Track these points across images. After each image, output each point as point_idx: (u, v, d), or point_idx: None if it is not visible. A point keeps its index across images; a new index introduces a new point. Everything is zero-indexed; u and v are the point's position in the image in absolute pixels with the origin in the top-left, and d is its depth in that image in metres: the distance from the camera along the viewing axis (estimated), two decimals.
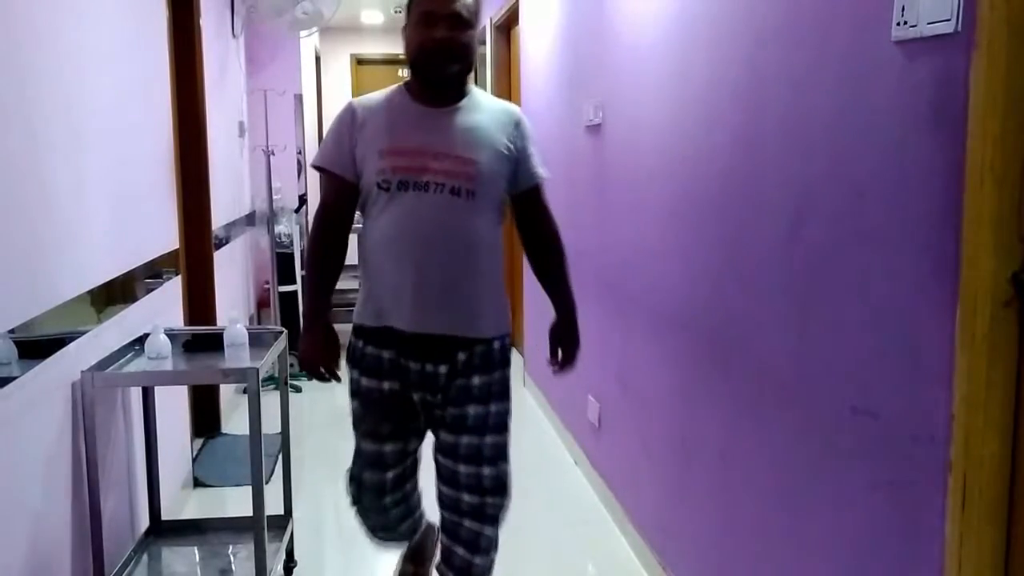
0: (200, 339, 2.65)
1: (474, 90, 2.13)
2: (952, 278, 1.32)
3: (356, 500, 2.25)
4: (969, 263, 1.29)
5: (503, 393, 2.14)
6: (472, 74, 2.11)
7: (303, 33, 5.30)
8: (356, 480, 2.23)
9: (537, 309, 4.55)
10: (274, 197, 5.22)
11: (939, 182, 1.35)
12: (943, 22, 1.32)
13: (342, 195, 2.10)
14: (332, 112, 9.00)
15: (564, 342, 2.30)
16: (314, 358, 2.15)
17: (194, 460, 3.62)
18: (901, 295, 1.45)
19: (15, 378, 1.84)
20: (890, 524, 1.50)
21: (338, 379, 2.19)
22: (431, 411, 2.13)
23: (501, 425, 2.14)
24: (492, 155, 2.04)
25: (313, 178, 7.39)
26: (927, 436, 1.39)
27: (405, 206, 2.00)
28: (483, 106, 2.11)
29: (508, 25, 5.52)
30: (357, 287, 2.20)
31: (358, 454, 2.22)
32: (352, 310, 2.17)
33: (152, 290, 2.94)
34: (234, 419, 4.35)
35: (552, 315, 2.31)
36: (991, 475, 1.31)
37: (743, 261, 2.07)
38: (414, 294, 2.02)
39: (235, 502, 3.32)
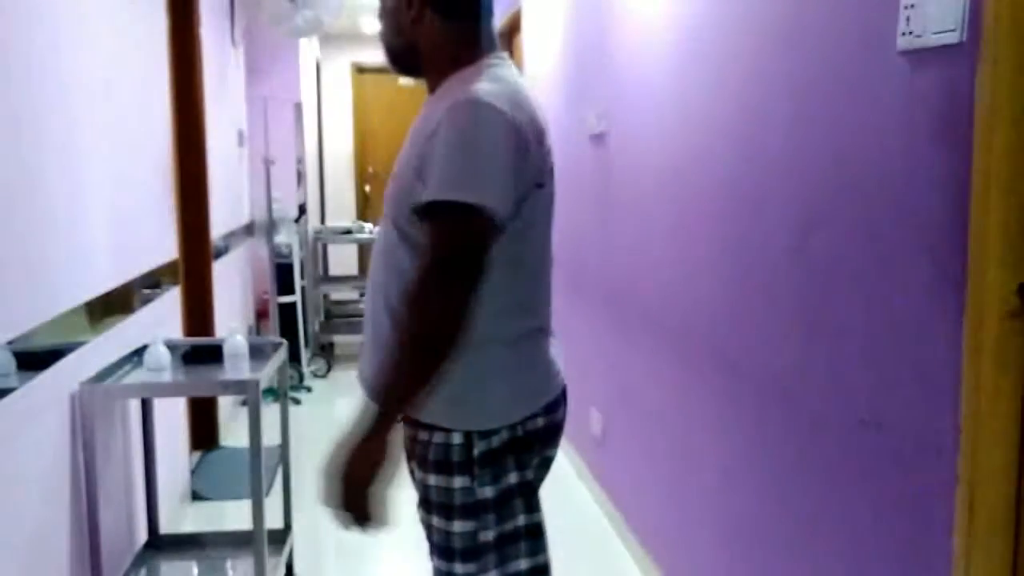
0: (199, 350, 2.64)
1: (449, 81, 1.51)
2: (959, 289, 1.31)
3: None
4: (976, 274, 1.28)
5: (439, 507, 1.49)
6: (430, 62, 1.55)
7: (303, 41, 5.31)
8: None
9: None
10: (273, 207, 5.22)
11: (945, 192, 1.34)
12: (948, 32, 1.31)
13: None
14: (332, 121, 8.94)
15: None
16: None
17: (192, 473, 3.60)
18: (908, 306, 1.44)
19: (13, 389, 1.82)
20: (897, 537, 1.49)
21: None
22: None
23: (439, 548, 1.51)
24: (405, 168, 1.47)
25: (313, 187, 7.33)
26: (934, 449, 1.38)
27: None
28: (437, 99, 1.50)
29: (510, 33, 5.53)
30: None
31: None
32: None
33: (151, 301, 2.92)
34: (233, 432, 4.33)
35: None
36: (999, 488, 1.30)
37: (748, 272, 2.06)
38: None
39: (234, 516, 3.30)
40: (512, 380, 1.50)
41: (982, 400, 1.28)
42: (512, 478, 1.49)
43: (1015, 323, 1.27)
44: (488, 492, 1.48)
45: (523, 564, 1.52)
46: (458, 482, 1.47)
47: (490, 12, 1.56)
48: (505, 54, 1.56)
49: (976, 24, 1.26)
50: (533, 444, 1.51)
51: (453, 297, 1.35)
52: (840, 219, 1.64)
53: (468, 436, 1.46)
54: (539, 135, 1.48)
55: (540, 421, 1.52)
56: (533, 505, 1.53)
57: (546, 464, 1.58)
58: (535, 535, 1.53)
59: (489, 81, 1.44)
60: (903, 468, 1.46)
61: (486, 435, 1.47)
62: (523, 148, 1.42)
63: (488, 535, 1.49)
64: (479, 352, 1.44)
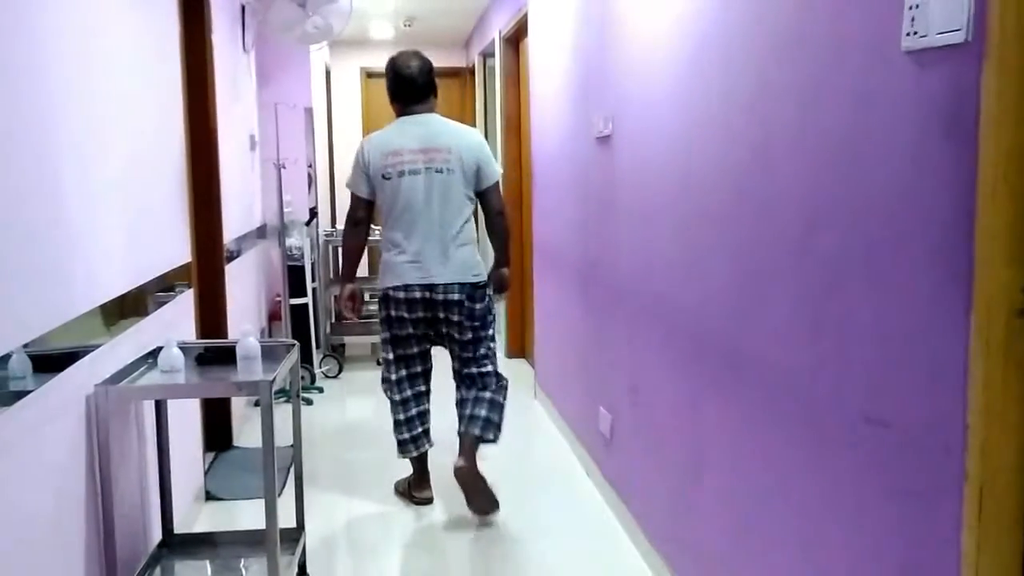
0: (212, 352, 2.66)
1: None
2: (966, 288, 1.31)
3: None
4: (983, 273, 1.28)
5: None
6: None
7: (313, 47, 5.34)
8: None
9: (548, 323, 4.54)
10: (285, 210, 5.25)
11: (952, 192, 1.35)
12: (953, 32, 1.31)
13: None
14: (342, 125, 9.03)
15: None
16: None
17: (206, 473, 3.63)
18: (915, 305, 1.45)
19: (30, 392, 1.84)
20: (905, 535, 1.49)
21: None
22: None
23: None
24: None
25: (324, 190, 7.34)
26: (942, 446, 1.38)
27: None
28: None
29: (517, 37, 5.55)
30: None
31: None
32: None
33: (164, 304, 2.95)
34: (246, 432, 4.35)
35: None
36: (1008, 485, 1.30)
37: (755, 271, 2.06)
38: None
39: (247, 515, 3.32)
40: (385, 271, 3.33)
41: (990, 397, 1.28)
42: (383, 312, 3.34)
43: (1022, 321, 1.27)
44: (381, 314, 3.37)
45: (391, 354, 3.40)
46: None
47: (412, 98, 3.36)
48: (408, 116, 3.38)
49: (981, 24, 1.26)
50: (393, 301, 3.30)
51: (344, 230, 3.49)
52: (847, 218, 1.64)
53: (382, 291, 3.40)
54: (384, 154, 3.27)
55: (399, 293, 3.28)
56: (398, 328, 3.34)
57: (408, 321, 3.32)
58: (399, 341, 3.37)
59: (383, 129, 3.41)
60: (912, 465, 1.47)
61: (381, 291, 3.34)
62: (363, 159, 3.32)
63: (383, 336, 3.42)
64: (382, 256, 3.35)
